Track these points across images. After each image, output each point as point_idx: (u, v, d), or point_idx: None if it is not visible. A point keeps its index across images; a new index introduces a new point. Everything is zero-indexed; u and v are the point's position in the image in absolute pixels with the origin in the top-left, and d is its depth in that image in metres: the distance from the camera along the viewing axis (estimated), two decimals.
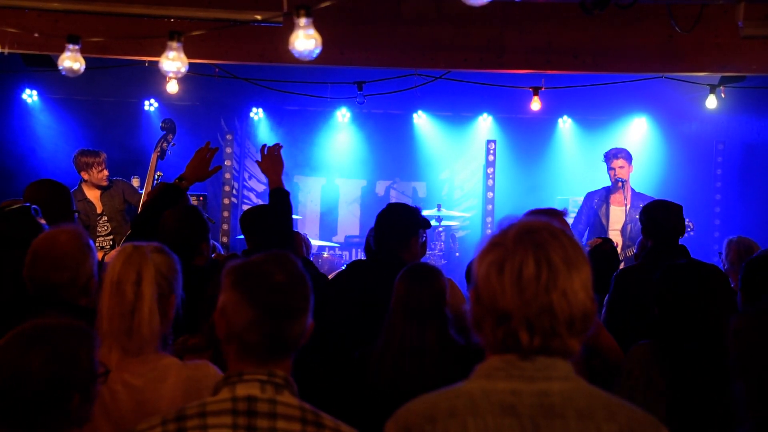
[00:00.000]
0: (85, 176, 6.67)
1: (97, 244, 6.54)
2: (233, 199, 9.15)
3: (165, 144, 6.72)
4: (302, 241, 5.42)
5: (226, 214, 9.11)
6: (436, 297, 3.12)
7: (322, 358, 3.49)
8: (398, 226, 3.87)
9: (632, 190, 7.15)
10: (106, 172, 6.69)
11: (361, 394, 3.13)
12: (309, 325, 1.85)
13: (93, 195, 6.72)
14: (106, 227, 6.64)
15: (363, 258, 4.44)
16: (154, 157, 6.64)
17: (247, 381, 1.76)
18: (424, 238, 3.99)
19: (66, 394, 1.90)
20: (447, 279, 3.28)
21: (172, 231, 3.68)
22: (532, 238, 1.54)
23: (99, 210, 6.68)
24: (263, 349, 1.79)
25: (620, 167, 7.05)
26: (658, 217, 4.35)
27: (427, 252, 8.17)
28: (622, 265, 7.05)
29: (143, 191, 6.50)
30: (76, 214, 4.97)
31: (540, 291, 1.51)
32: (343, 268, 4.47)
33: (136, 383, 2.16)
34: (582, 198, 7.54)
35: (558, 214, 4.09)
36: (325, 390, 3.23)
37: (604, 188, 7.28)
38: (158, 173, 7.57)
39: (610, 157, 7.14)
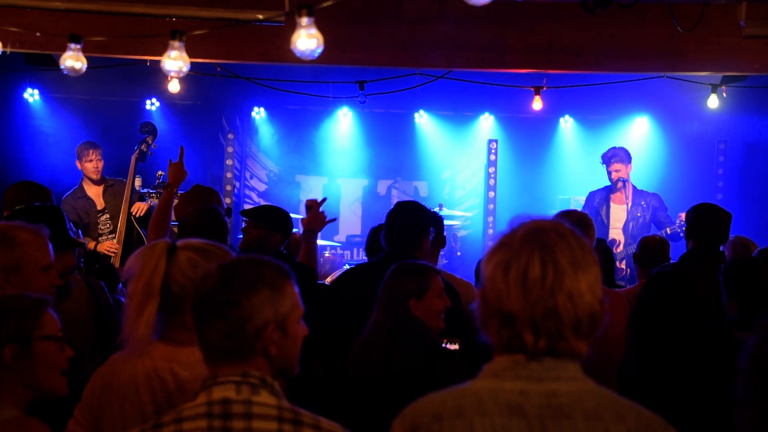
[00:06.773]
0: (79, 165, 6.71)
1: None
2: (234, 198, 9.15)
3: (145, 147, 6.79)
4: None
5: None
6: (414, 293, 3.08)
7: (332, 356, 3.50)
8: (411, 225, 3.87)
9: (633, 187, 7.16)
10: (99, 165, 6.69)
11: (344, 387, 3.13)
12: (269, 325, 1.80)
13: (94, 192, 6.69)
14: (108, 225, 6.61)
15: (364, 257, 4.46)
16: (133, 159, 6.68)
17: (221, 383, 1.77)
18: (433, 236, 3.99)
19: None
20: (440, 276, 3.25)
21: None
22: (538, 239, 1.53)
23: (99, 207, 6.65)
24: (222, 351, 1.79)
25: (616, 171, 7.08)
26: (704, 220, 4.26)
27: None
28: (623, 264, 7.11)
29: (125, 192, 6.54)
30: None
31: (545, 293, 1.50)
32: (347, 267, 4.51)
33: (182, 374, 2.21)
34: (584, 198, 7.57)
35: (587, 223, 4.06)
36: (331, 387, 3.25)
37: (605, 187, 7.30)
38: (159, 172, 7.59)
39: (608, 160, 7.15)
